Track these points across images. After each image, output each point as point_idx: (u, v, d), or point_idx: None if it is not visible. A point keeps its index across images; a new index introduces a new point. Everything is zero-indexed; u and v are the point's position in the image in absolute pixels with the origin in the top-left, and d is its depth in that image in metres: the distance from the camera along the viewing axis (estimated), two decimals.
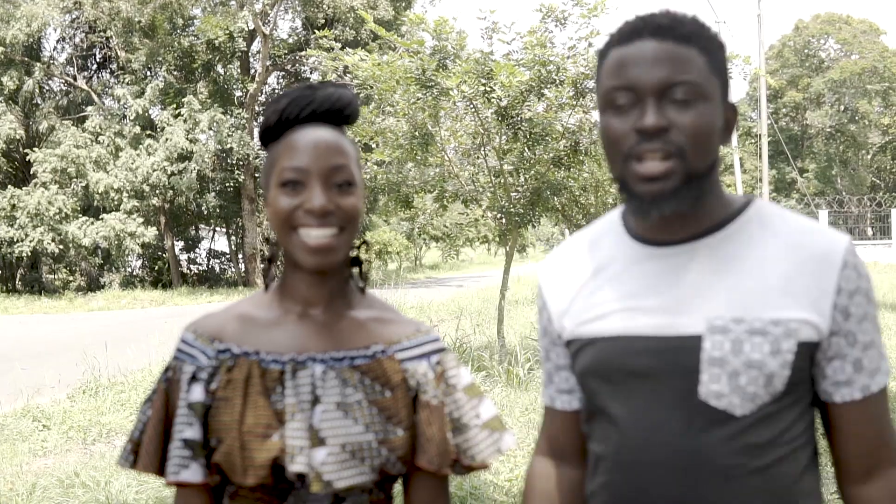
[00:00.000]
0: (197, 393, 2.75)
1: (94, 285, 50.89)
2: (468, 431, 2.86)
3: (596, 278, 2.80)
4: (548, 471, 3.06)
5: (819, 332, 2.52)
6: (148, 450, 2.77)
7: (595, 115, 16.86)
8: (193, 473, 2.71)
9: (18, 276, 52.50)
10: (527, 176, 16.98)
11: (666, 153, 2.47)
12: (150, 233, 47.06)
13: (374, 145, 17.88)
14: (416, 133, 16.61)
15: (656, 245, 2.71)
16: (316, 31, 17.83)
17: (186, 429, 2.71)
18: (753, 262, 2.58)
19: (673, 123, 2.47)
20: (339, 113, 2.83)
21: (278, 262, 2.96)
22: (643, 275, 2.67)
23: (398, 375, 2.81)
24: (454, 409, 2.87)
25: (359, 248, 2.99)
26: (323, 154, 2.70)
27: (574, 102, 16.34)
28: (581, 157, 16.62)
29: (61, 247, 46.87)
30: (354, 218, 2.74)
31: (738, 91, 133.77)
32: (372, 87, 16.87)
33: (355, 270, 2.98)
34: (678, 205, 2.52)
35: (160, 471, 2.76)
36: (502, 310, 18.15)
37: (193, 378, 2.77)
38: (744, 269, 2.58)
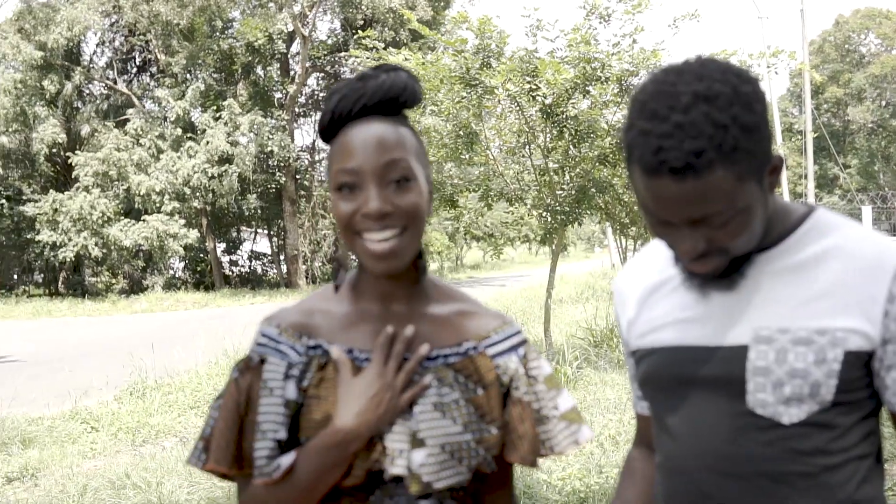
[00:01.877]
0: (291, 390, 2.61)
1: (136, 288, 51.12)
2: (548, 423, 2.80)
3: (658, 291, 2.83)
4: (642, 454, 3.14)
5: (870, 340, 2.46)
6: (220, 445, 2.60)
7: None
8: (285, 462, 2.55)
9: (61, 279, 52.74)
10: (572, 174, 16.93)
11: (712, 266, 2.52)
12: (192, 235, 47.20)
13: None
14: (461, 132, 16.56)
15: None
16: (357, 31, 17.75)
17: (280, 429, 2.56)
18: (805, 273, 2.55)
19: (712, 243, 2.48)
20: (394, 101, 2.67)
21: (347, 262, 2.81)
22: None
23: (491, 373, 2.73)
24: (534, 399, 2.80)
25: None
26: (374, 152, 2.55)
27: (619, 99, 16.26)
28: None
29: (104, 250, 47.06)
30: (416, 216, 2.59)
31: (779, 87, 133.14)
32: None
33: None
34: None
35: (236, 467, 2.61)
36: (548, 308, 18.07)
37: (286, 375, 2.62)
38: (795, 280, 2.55)
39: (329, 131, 2.69)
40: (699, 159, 2.26)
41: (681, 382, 2.64)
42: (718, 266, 2.50)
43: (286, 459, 2.53)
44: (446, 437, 2.60)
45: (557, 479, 9.83)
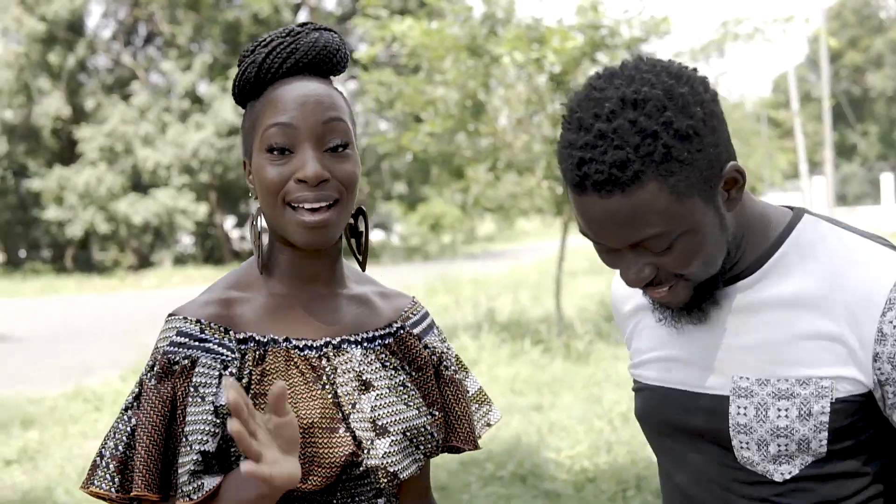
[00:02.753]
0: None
1: (145, 263, 51.01)
2: None
3: (644, 314, 2.59)
4: None
5: (861, 385, 2.18)
6: (144, 467, 2.27)
7: None
8: (209, 484, 2.25)
9: (69, 255, 52.74)
10: None
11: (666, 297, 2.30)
12: (201, 209, 47.09)
13: (424, 116, 17.57)
14: (467, 102, 16.37)
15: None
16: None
17: (210, 440, 2.25)
18: (785, 310, 2.25)
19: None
20: (327, 61, 2.50)
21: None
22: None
23: (423, 353, 2.60)
24: (463, 378, 2.73)
25: (356, 218, 2.63)
26: (313, 109, 2.36)
27: None
28: None
29: (112, 226, 47.01)
30: (352, 187, 2.40)
31: (797, 53, 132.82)
32: (421, 56, 16.63)
33: (353, 242, 2.66)
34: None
35: (160, 490, 2.29)
36: (559, 282, 17.79)
37: (220, 376, 2.32)
38: (774, 318, 2.26)
39: (251, 90, 2.47)
40: (624, 172, 2.02)
41: (670, 426, 2.44)
42: (680, 295, 2.24)
43: (210, 482, 2.24)
44: (405, 423, 2.48)
45: (566, 458, 9.74)
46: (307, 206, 2.33)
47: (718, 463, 2.31)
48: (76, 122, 49.79)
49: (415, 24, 16.44)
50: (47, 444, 11.77)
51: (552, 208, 17.99)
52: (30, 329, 25.11)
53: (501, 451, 10.06)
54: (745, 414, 2.22)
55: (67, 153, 50.67)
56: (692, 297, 2.24)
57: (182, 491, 2.22)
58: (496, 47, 15.32)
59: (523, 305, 21.17)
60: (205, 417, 2.26)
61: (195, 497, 2.21)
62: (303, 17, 53.84)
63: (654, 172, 2.01)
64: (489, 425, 2.74)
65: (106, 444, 2.34)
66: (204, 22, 50.12)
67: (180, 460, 2.25)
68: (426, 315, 2.73)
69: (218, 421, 2.27)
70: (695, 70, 2.13)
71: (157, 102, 48.36)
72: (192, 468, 2.22)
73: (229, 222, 56.36)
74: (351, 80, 42.01)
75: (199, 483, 2.22)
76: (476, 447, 2.66)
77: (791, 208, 2.39)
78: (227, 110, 46.12)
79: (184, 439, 2.26)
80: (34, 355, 19.58)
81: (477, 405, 2.73)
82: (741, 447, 2.24)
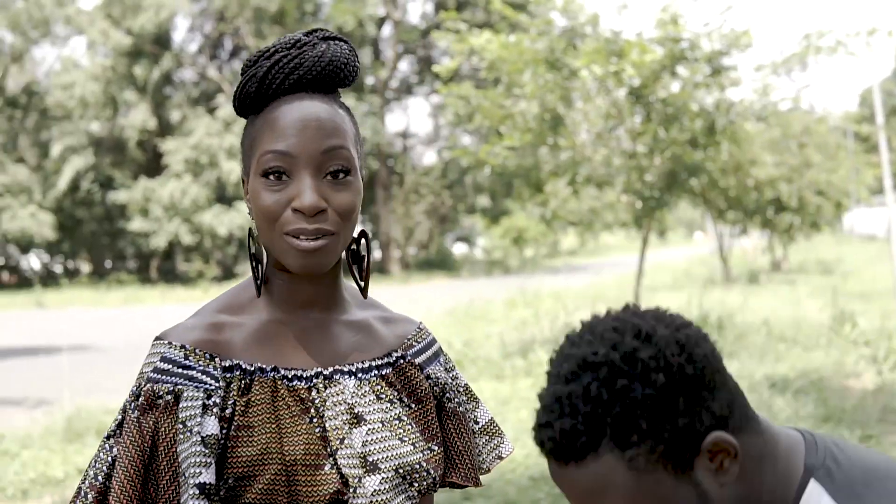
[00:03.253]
0: (212, 425, 2.20)
1: (229, 274, 51.34)
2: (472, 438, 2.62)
3: None
4: None
5: None
6: (124, 500, 2.16)
7: (731, 94, 16.52)
8: None
9: (154, 266, 53.21)
10: (661, 158, 16.58)
11: None
12: None
13: (503, 129, 17.51)
14: (546, 116, 16.31)
15: None
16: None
17: (204, 471, 2.16)
18: None
19: None
20: (333, 77, 2.37)
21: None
22: None
23: (424, 384, 2.48)
24: (467, 411, 2.63)
25: (357, 241, 2.47)
26: (313, 135, 2.24)
27: (710, 81, 15.94)
28: (717, 138, 16.20)
29: (196, 237, 47.41)
30: (351, 218, 2.29)
31: (883, 67, 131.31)
32: (500, 69, 16.59)
33: (355, 268, 2.50)
34: None
35: None
36: (638, 297, 17.64)
37: (204, 407, 2.21)
38: None
39: (251, 104, 2.35)
40: (573, 442, 1.84)
41: None
42: None
43: None
44: (398, 459, 2.35)
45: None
46: (303, 233, 2.23)
47: None
48: (161, 135, 50.31)
49: (493, 38, 16.39)
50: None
51: (632, 222, 17.89)
52: (112, 339, 25.26)
53: None
54: None
55: (153, 165, 51.21)
56: None
57: None
58: (574, 60, 15.23)
59: None
60: (195, 450, 2.17)
61: None
62: (387, 31, 54.07)
63: (607, 444, 1.82)
64: (500, 458, 2.66)
65: (87, 472, 2.25)
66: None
67: (181, 500, 2.17)
68: (432, 343, 2.61)
69: (207, 451, 2.17)
70: (688, 325, 1.94)
71: None
72: (195, 502, 2.14)
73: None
74: (433, 93, 42.09)
75: None
76: (477, 484, 2.56)
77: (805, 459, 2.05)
78: None
79: (182, 476, 2.18)
80: (115, 365, 19.68)
81: (487, 437, 2.65)
82: None
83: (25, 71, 50.74)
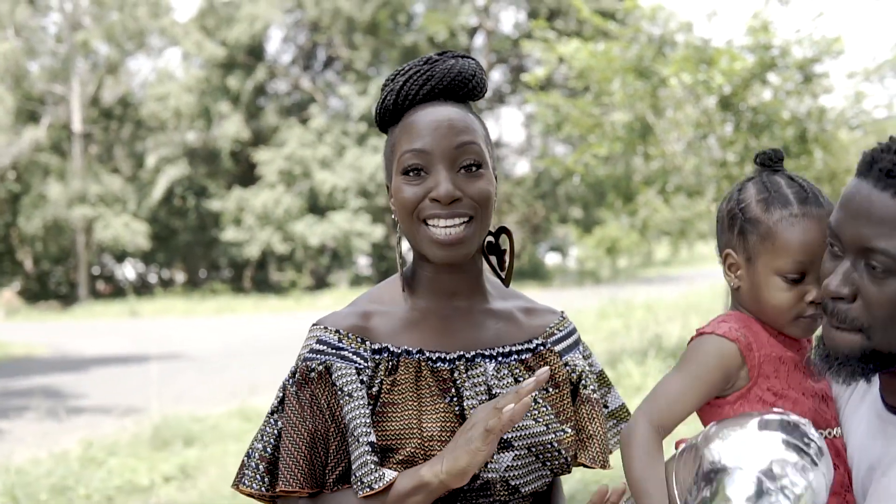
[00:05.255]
0: (365, 396, 2.49)
1: (321, 284, 51.62)
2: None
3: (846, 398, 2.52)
4: None
5: None
6: (291, 465, 2.45)
7: (824, 102, 16.36)
8: (389, 475, 2.40)
9: (247, 276, 53.62)
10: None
11: (843, 326, 2.20)
12: (377, 232, 47.48)
13: (592, 138, 17.42)
14: (635, 125, 16.22)
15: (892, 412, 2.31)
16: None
17: (372, 432, 2.43)
18: None
19: (861, 293, 2.14)
20: (462, 87, 2.61)
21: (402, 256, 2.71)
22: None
23: (562, 370, 2.69)
24: (600, 397, 2.80)
25: (497, 235, 2.75)
26: (446, 133, 2.50)
27: (801, 88, 15.76)
28: (809, 147, 15.99)
29: (289, 247, 47.71)
30: (485, 204, 2.54)
31: None
32: (589, 78, 16.53)
33: (494, 259, 2.77)
34: (849, 377, 2.22)
35: (308, 487, 2.46)
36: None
37: (360, 380, 2.50)
38: None
39: (390, 117, 2.63)
40: None
41: None
42: (842, 342, 2.18)
43: (390, 473, 2.40)
44: (531, 438, 2.54)
45: None
46: (441, 223, 2.48)
47: None
48: (255, 145, 50.74)
49: (581, 46, 16.33)
50: (205, 462, 11.93)
51: None
52: (204, 348, 25.58)
53: None
54: None
55: (246, 175, 51.65)
56: (854, 360, 2.17)
57: (363, 482, 2.38)
58: (664, 69, 15.13)
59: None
60: (361, 412, 2.43)
61: (377, 486, 2.36)
62: (479, 40, 54.09)
63: None
64: None
65: (254, 445, 2.54)
66: (382, 46, 50.66)
67: (353, 454, 2.42)
68: (573, 332, 2.80)
69: (370, 413, 2.45)
70: None
71: (335, 126, 48.99)
72: (371, 460, 2.38)
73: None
74: (526, 103, 42.01)
75: (381, 473, 2.37)
76: (605, 466, 2.68)
77: None
78: None
79: (351, 433, 2.43)
80: (205, 374, 19.89)
81: (615, 421, 2.81)
82: None
83: (121, 82, 51.35)
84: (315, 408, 2.47)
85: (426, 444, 2.43)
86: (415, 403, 2.47)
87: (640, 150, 16.93)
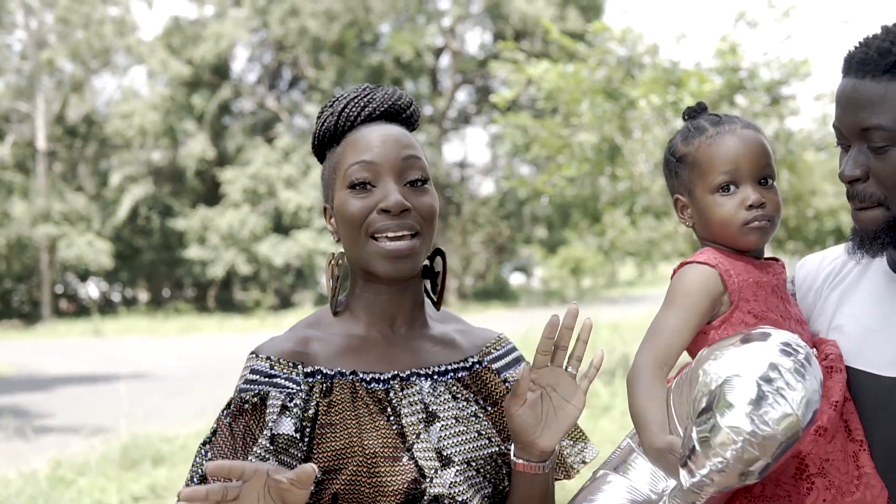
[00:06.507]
0: (286, 425, 2.43)
1: (286, 304, 51.54)
2: None
3: (833, 290, 2.72)
4: None
5: None
6: None
7: (790, 124, 16.48)
8: None
9: (211, 295, 53.50)
10: None
11: (864, 204, 2.43)
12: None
13: (560, 159, 17.51)
14: (603, 146, 16.32)
15: None
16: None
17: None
18: None
19: (871, 172, 2.39)
20: (400, 112, 2.65)
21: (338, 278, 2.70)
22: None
23: (501, 387, 2.67)
24: None
25: (432, 259, 2.76)
26: (393, 146, 2.53)
27: (769, 110, 15.91)
28: (776, 168, 16.16)
29: (253, 266, 47.68)
30: (431, 220, 2.57)
31: None
32: (557, 99, 16.62)
33: (428, 283, 2.77)
34: (881, 249, 2.46)
35: None
36: None
37: (283, 408, 2.46)
38: None
39: (330, 138, 2.63)
40: (883, 59, 2.37)
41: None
42: (869, 218, 2.43)
43: None
44: (471, 453, 2.53)
45: None
46: (389, 234, 2.47)
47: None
48: (220, 164, 50.67)
49: (551, 68, 16.42)
50: (175, 482, 11.84)
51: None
52: (170, 367, 25.51)
53: None
54: None
55: (211, 194, 51.56)
56: (884, 232, 2.42)
57: None
58: (632, 90, 15.23)
59: None
60: (261, 443, 2.40)
61: None
62: (445, 61, 54.24)
63: None
64: (584, 462, 2.77)
65: (190, 475, 2.49)
66: (348, 66, 50.73)
67: None
68: (512, 350, 2.78)
69: (270, 447, 2.39)
70: None
71: (301, 145, 48.99)
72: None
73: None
74: (491, 123, 42.12)
75: None
76: (569, 476, 2.74)
77: None
78: None
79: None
80: (172, 393, 19.83)
81: (572, 442, 2.77)
82: None
83: (85, 100, 51.24)
84: (248, 439, 2.46)
85: (369, 461, 2.41)
86: (353, 423, 2.46)
87: (608, 171, 17.01)
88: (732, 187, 2.56)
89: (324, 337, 2.60)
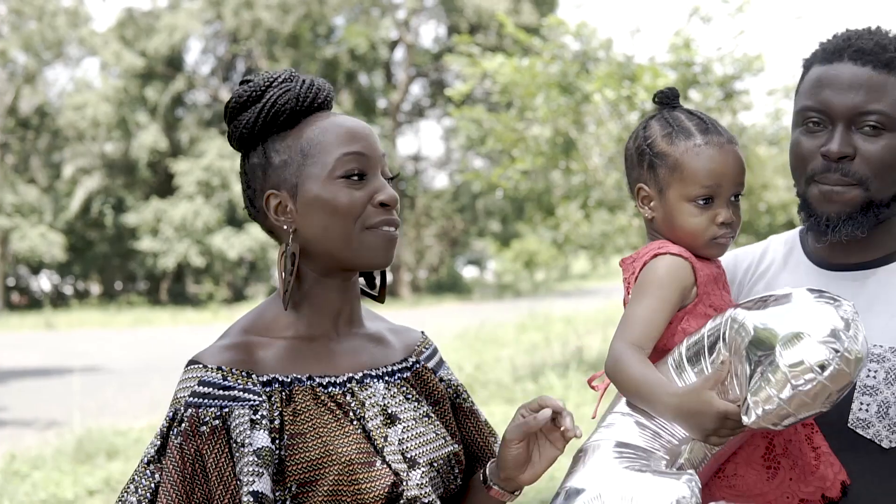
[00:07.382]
0: (262, 438, 2.27)
1: (239, 297, 51.37)
2: None
3: (757, 283, 2.84)
4: None
5: None
6: None
7: (743, 119, 16.54)
8: None
9: (163, 288, 53.28)
10: None
11: (846, 181, 2.53)
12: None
13: (515, 153, 17.53)
14: (558, 140, 16.34)
15: (828, 269, 2.70)
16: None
17: (257, 480, 2.22)
18: None
19: (859, 152, 2.52)
20: (332, 101, 2.59)
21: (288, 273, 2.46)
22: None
23: (439, 386, 2.66)
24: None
25: None
26: (374, 141, 2.48)
27: (722, 105, 15.99)
28: None
29: (206, 259, 47.48)
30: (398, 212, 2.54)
31: None
32: (512, 93, 16.63)
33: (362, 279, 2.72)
34: (853, 230, 2.56)
35: None
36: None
37: (252, 423, 2.28)
38: None
39: (286, 121, 2.46)
40: (883, 55, 2.56)
41: None
42: (845, 199, 2.56)
43: None
44: (431, 454, 2.50)
45: None
46: (385, 228, 2.42)
47: (827, 433, 2.45)
48: (173, 156, 50.39)
49: (506, 62, 16.42)
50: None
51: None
52: (122, 360, 25.36)
53: None
54: (873, 377, 2.49)
55: (164, 187, 51.29)
56: (856, 213, 2.55)
57: None
58: (587, 84, 15.26)
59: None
60: (247, 460, 2.24)
61: None
62: (399, 54, 54.20)
63: None
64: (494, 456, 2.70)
65: (127, 498, 2.30)
66: (302, 58, 50.56)
67: None
68: (436, 350, 2.76)
69: (259, 461, 2.24)
70: None
71: None
72: None
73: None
74: (445, 116, 42.15)
75: None
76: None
77: None
78: None
79: (241, 488, 2.24)
80: (125, 386, 19.71)
81: (493, 438, 2.76)
82: (858, 409, 2.49)
83: (38, 92, 50.86)
84: (198, 467, 2.26)
85: (347, 469, 2.30)
86: (324, 430, 2.34)
87: (563, 165, 17.04)
88: (708, 201, 2.56)
89: (267, 342, 2.45)
